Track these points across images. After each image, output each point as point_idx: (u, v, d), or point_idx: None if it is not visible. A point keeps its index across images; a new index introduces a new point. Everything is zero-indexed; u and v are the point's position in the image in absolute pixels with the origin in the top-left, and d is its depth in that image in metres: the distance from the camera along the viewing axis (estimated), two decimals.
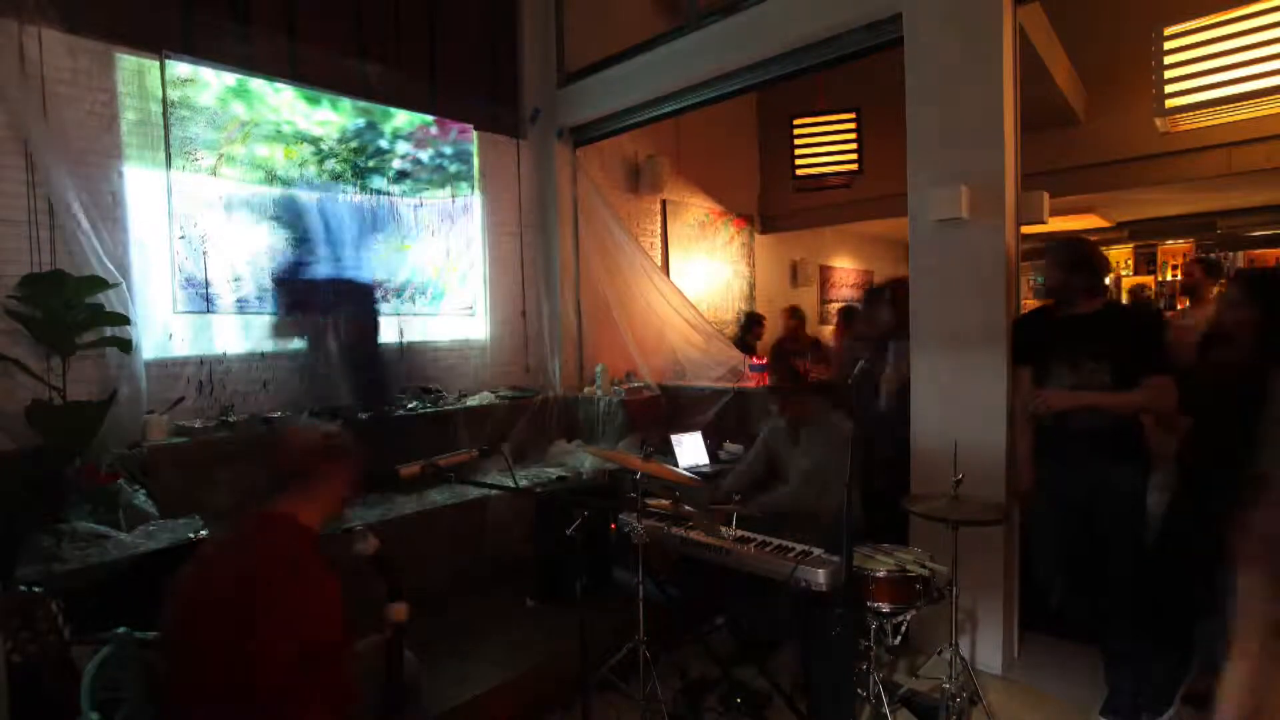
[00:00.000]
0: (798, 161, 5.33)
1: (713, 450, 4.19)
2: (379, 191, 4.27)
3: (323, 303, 3.98)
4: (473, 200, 4.78)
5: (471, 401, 4.37)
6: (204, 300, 3.55)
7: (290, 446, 1.67)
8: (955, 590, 2.47)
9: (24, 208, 3.03)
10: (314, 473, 1.62)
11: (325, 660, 1.41)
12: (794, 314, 5.97)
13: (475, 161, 4.78)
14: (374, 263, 4.23)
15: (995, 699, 2.73)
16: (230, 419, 3.42)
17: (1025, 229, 3.10)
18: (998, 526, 2.85)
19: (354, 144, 4.16)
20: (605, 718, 2.58)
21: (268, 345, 3.80)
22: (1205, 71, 3.33)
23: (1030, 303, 8.52)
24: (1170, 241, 8.51)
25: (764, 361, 4.70)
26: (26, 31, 3.02)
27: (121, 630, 1.53)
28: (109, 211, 3.25)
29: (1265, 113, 3.61)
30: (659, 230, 6.14)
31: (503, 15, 4.98)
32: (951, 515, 2.38)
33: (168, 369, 3.42)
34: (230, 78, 3.63)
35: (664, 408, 4.73)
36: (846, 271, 8.77)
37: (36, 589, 1.25)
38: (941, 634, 2.54)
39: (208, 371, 3.58)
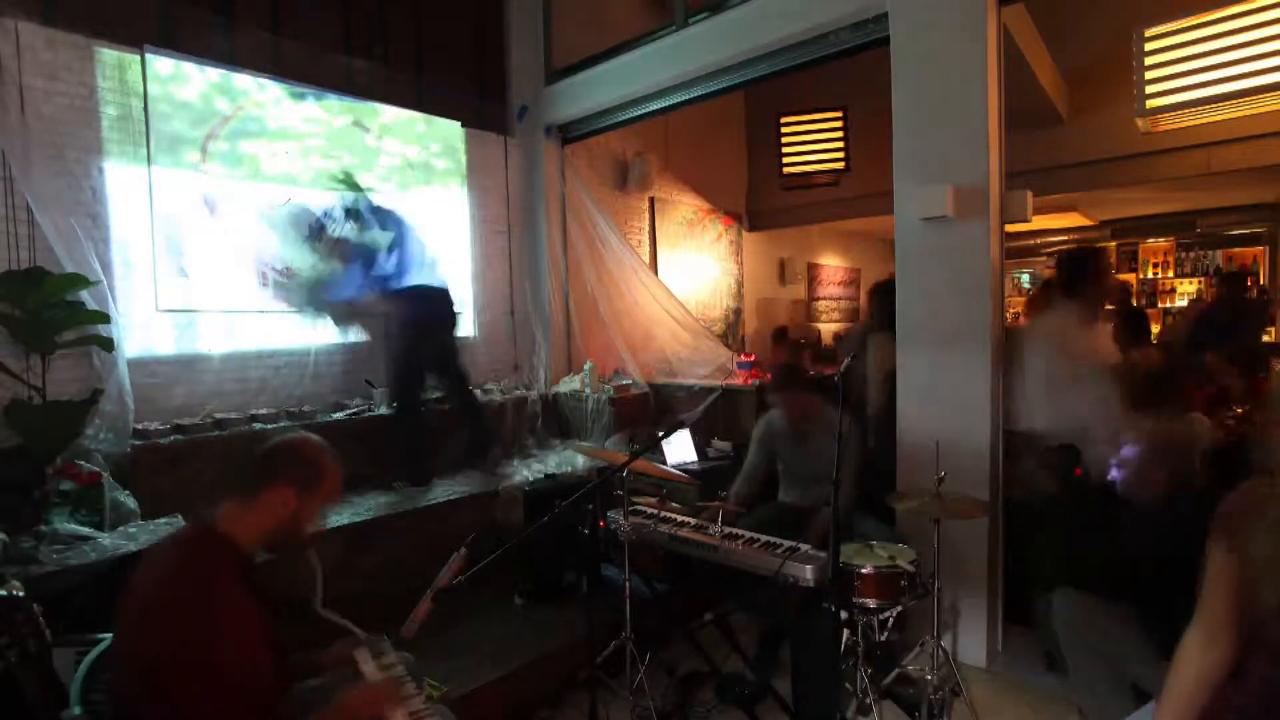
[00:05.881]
0: (785, 159, 5.35)
1: (701, 447, 4.20)
2: (365, 188, 4.23)
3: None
4: (460, 198, 4.76)
5: None
6: (187, 298, 3.51)
7: (257, 452, 1.55)
8: (938, 584, 2.50)
9: (2, 204, 2.97)
10: (262, 486, 1.49)
11: (234, 688, 1.30)
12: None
13: (462, 158, 4.76)
14: (362, 260, 4.20)
15: (978, 691, 2.77)
16: (215, 417, 3.39)
17: (1010, 227, 3.13)
18: (981, 521, 2.90)
19: (340, 140, 4.12)
20: (594, 714, 2.58)
21: (255, 343, 3.77)
22: (1185, 72, 3.37)
23: (1015, 300, 8.65)
24: (1151, 240, 8.63)
25: (752, 358, 4.72)
26: (2, 24, 2.97)
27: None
28: (89, 208, 3.21)
29: (1244, 113, 3.67)
30: (647, 228, 6.14)
31: (490, 11, 4.95)
32: (934, 511, 2.41)
33: (151, 368, 3.37)
34: (214, 73, 3.58)
35: (652, 405, 4.74)
36: (834, 269, 8.82)
37: (18, 592, 1.23)
38: (926, 628, 2.57)
39: (192, 370, 3.54)
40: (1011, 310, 7.55)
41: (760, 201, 7.30)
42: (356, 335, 4.13)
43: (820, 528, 2.76)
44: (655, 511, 2.86)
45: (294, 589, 2.58)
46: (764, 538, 2.59)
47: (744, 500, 3.17)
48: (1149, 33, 3.46)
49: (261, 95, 3.78)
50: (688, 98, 4.28)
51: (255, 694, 1.36)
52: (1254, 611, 0.99)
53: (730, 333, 6.88)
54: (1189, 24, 3.35)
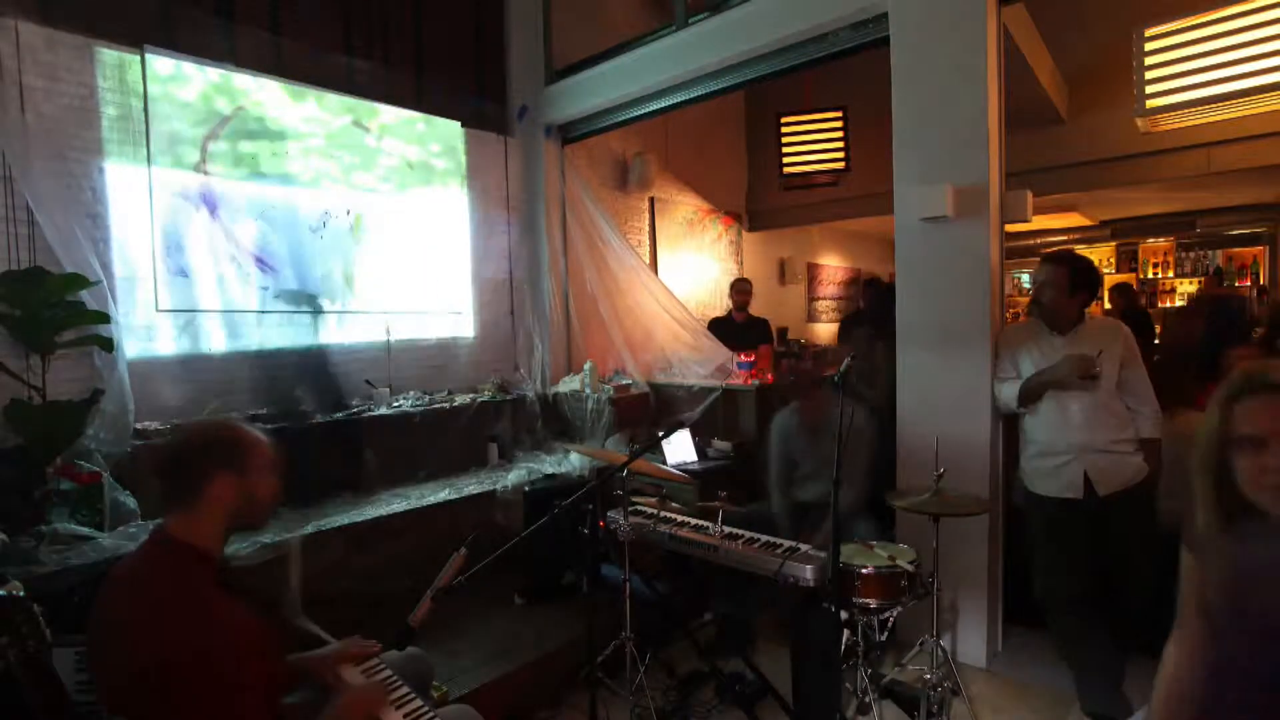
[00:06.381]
0: (785, 159, 5.34)
1: (701, 448, 4.20)
2: (366, 189, 4.24)
3: None
4: (460, 198, 4.76)
5: (460, 400, 4.35)
6: (187, 298, 3.51)
7: (171, 450, 1.46)
8: (936, 583, 2.50)
9: (2, 204, 2.97)
10: (199, 481, 1.39)
11: (224, 699, 1.28)
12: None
13: (462, 158, 4.76)
14: (360, 260, 4.21)
15: (977, 690, 2.77)
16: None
17: (1009, 227, 3.13)
18: (981, 521, 2.90)
19: (340, 140, 4.12)
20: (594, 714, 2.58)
21: (255, 343, 3.77)
22: (1185, 72, 3.37)
23: (1018, 300, 8.66)
24: (1151, 240, 8.64)
25: (752, 359, 4.72)
26: (2, 24, 2.97)
27: None
28: (89, 208, 3.20)
29: (1244, 113, 3.66)
30: (647, 228, 6.14)
31: (490, 11, 4.95)
32: (933, 508, 2.41)
33: (151, 368, 3.37)
34: (214, 73, 3.58)
35: (652, 405, 4.73)
36: (834, 269, 8.82)
37: (18, 592, 1.23)
38: (926, 627, 2.57)
39: (192, 370, 3.54)
40: (1012, 310, 7.56)
41: (760, 201, 7.30)
42: None
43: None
44: (655, 511, 2.86)
45: (271, 591, 2.60)
46: (764, 538, 2.60)
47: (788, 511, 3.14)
48: (1149, 33, 3.45)
49: (261, 95, 3.78)
50: (688, 98, 4.28)
51: (260, 701, 1.36)
52: (1209, 610, 1.01)
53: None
54: (1189, 24, 3.34)
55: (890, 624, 2.50)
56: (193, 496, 1.40)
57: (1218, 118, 3.66)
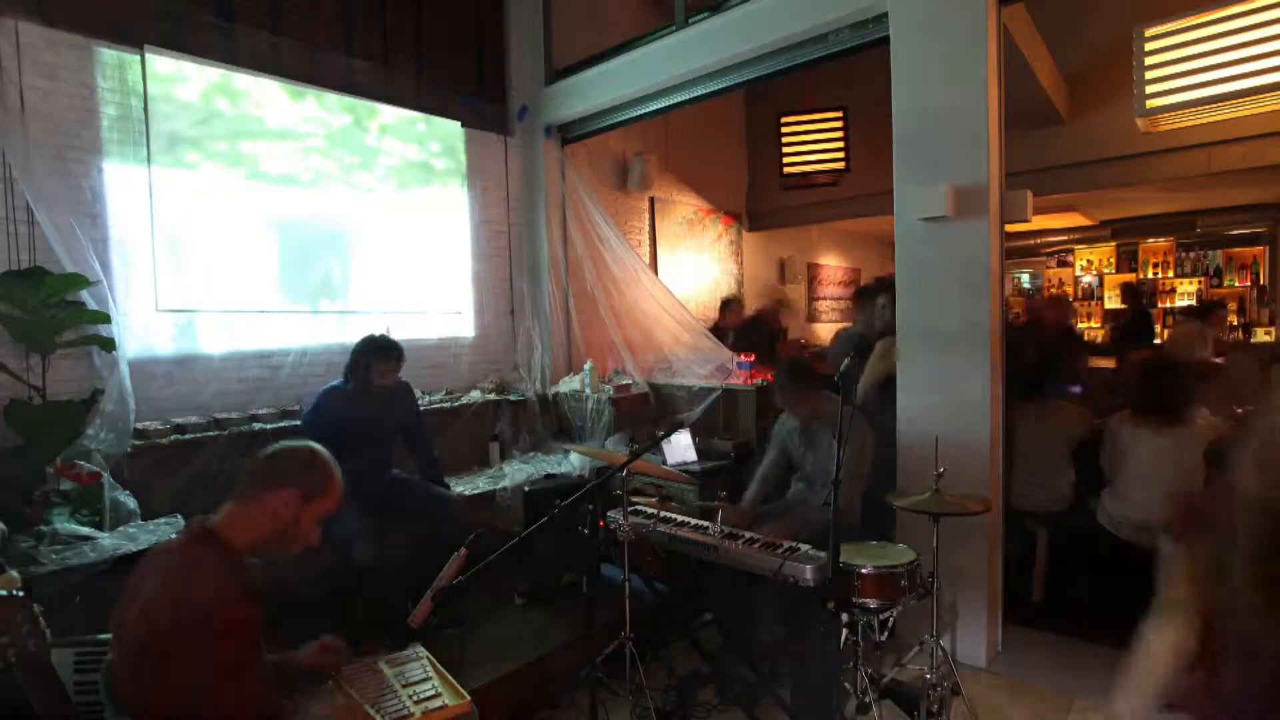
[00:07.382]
0: (785, 159, 5.35)
1: (701, 447, 4.20)
2: (365, 188, 4.24)
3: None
4: (460, 197, 4.76)
5: (460, 400, 4.35)
6: (187, 298, 3.51)
7: (265, 454, 1.57)
8: (936, 583, 2.50)
9: (2, 204, 2.97)
10: (271, 484, 1.50)
11: (228, 683, 1.33)
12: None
13: (462, 158, 4.76)
14: (360, 260, 4.21)
15: (977, 690, 2.77)
16: (215, 417, 3.39)
17: (1009, 227, 3.13)
18: (981, 521, 2.90)
19: (340, 140, 4.12)
20: (594, 714, 2.58)
21: (255, 343, 3.77)
22: (1185, 72, 3.36)
23: (1016, 300, 8.65)
24: (1151, 240, 8.64)
25: (753, 358, 4.72)
26: (2, 25, 2.97)
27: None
28: (89, 208, 3.20)
29: (1244, 113, 3.66)
30: (647, 228, 6.14)
31: (490, 11, 4.95)
32: (933, 507, 2.41)
33: (151, 368, 3.37)
34: (214, 73, 3.58)
35: (652, 405, 4.73)
36: (834, 269, 8.82)
37: (18, 592, 1.23)
38: (926, 627, 2.57)
39: (192, 370, 3.54)
40: (1012, 311, 7.57)
41: (760, 201, 7.30)
42: None
43: (797, 520, 2.77)
44: (655, 511, 2.86)
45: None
46: (764, 537, 2.59)
47: (758, 503, 3.15)
48: (1149, 33, 3.45)
49: (261, 95, 3.78)
50: (688, 98, 4.28)
51: (249, 691, 1.37)
52: (1220, 603, 1.00)
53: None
54: (1189, 24, 3.34)
55: (890, 624, 2.50)
56: (256, 495, 1.48)
57: (1218, 118, 3.65)
